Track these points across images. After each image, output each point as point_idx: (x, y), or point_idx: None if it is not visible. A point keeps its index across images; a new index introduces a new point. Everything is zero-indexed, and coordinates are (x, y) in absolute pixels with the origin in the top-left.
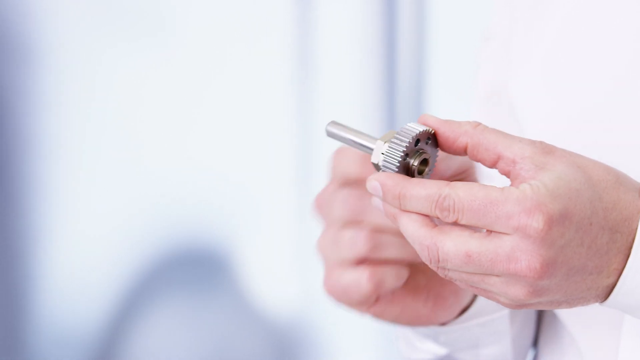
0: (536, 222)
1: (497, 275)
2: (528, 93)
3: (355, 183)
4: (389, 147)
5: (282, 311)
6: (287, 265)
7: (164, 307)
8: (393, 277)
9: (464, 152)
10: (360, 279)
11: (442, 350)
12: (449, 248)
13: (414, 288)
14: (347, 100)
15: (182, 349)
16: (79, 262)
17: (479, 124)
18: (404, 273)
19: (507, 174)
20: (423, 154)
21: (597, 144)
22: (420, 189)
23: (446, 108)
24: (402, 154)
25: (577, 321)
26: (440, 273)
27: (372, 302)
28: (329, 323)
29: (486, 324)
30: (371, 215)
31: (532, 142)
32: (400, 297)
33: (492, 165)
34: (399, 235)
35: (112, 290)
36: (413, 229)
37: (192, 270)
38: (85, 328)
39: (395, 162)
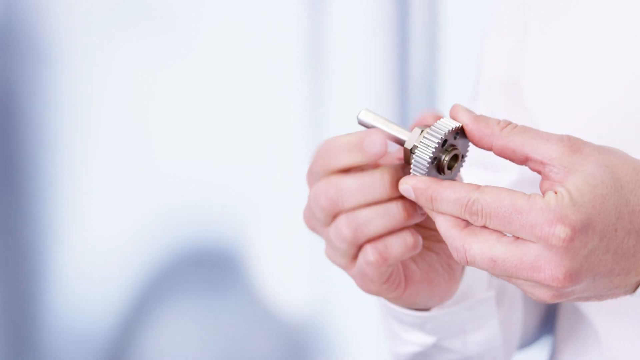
0: (558, 234)
1: (521, 279)
2: (544, 92)
3: (342, 173)
4: (422, 141)
5: (294, 311)
6: (299, 265)
7: (176, 307)
8: (398, 244)
9: (489, 149)
10: (367, 256)
11: (429, 339)
12: (475, 252)
13: (431, 261)
14: (360, 98)
15: (193, 348)
16: (91, 262)
17: (508, 124)
18: (409, 237)
19: (537, 172)
20: (454, 150)
21: (615, 144)
22: (450, 192)
23: None
24: (434, 149)
25: (599, 312)
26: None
27: (387, 278)
28: (341, 323)
29: (473, 307)
30: (347, 198)
31: (560, 140)
32: (425, 273)
33: (522, 164)
34: (382, 205)
35: (124, 290)
36: (445, 228)
37: (204, 270)
38: (97, 328)
39: (427, 158)
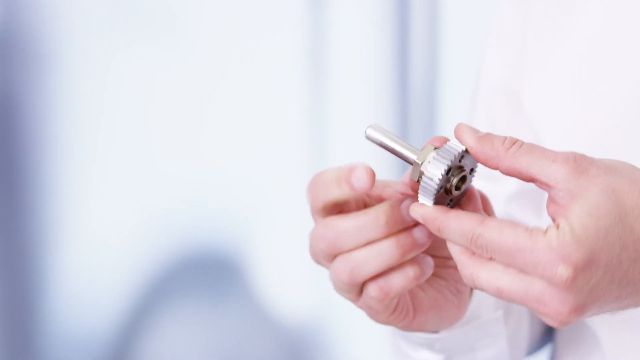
0: (561, 274)
1: (530, 308)
2: (545, 101)
3: (336, 206)
4: (428, 169)
5: (294, 315)
6: (300, 269)
7: (176, 311)
8: (399, 278)
9: (497, 169)
10: (369, 292)
11: (437, 357)
12: (482, 280)
13: (439, 287)
14: (360, 101)
15: (194, 352)
16: (92, 265)
17: (513, 143)
18: (411, 271)
19: (544, 190)
20: (462, 172)
21: (617, 151)
22: (457, 225)
23: (458, 110)
24: (440, 178)
25: (600, 319)
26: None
27: (394, 309)
28: (341, 326)
29: (482, 327)
30: (344, 241)
31: (566, 160)
32: (434, 300)
33: (529, 182)
34: (376, 245)
35: (125, 293)
36: (455, 253)
37: (204, 274)
38: (97, 331)
39: (435, 182)
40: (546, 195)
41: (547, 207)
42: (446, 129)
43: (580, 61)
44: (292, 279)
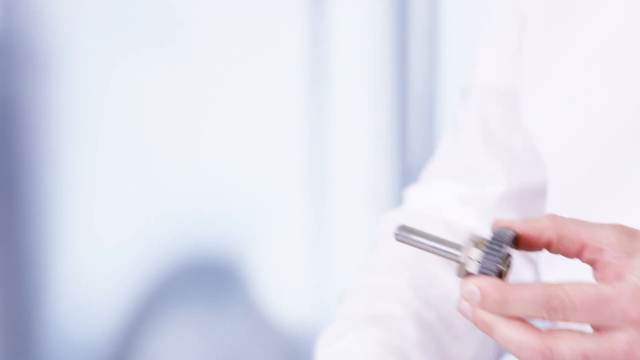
0: None
1: None
2: (544, 112)
3: None
4: (486, 254)
5: (294, 321)
6: (300, 275)
7: (177, 316)
8: None
9: (546, 247)
10: None
11: None
12: (564, 351)
13: None
14: (360, 103)
15: (194, 357)
16: (93, 270)
17: (555, 216)
18: None
19: (592, 262)
20: (509, 258)
21: (618, 165)
22: (525, 291)
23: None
24: (500, 261)
25: None
26: None
27: None
28: None
29: None
30: None
31: (613, 227)
32: None
33: (576, 255)
34: None
35: (125, 298)
36: (519, 334)
37: (205, 279)
38: (98, 336)
39: (493, 271)
40: (532, 203)
41: (596, 275)
42: (446, 130)
43: (580, 72)
44: (292, 284)
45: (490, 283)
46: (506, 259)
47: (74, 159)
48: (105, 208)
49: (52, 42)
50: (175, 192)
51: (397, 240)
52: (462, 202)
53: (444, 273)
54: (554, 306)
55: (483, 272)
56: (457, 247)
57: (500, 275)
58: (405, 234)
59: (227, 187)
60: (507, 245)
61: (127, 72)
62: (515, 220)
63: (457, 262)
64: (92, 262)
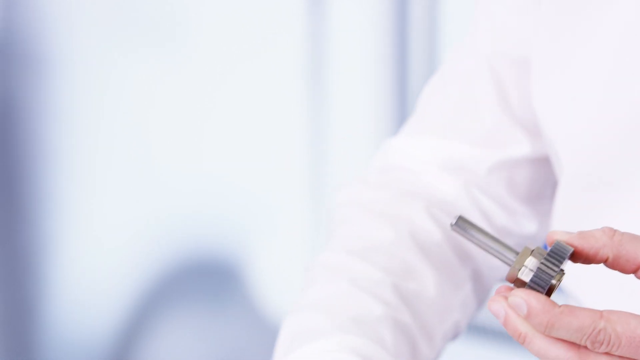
0: None
1: None
2: (557, 103)
3: None
4: (542, 267)
5: None
6: (299, 275)
7: (175, 317)
8: None
9: (601, 262)
10: None
11: None
12: None
13: None
14: (360, 103)
15: (193, 357)
16: (92, 270)
17: (614, 232)
18: None
19: None
20: (563, 273)
21: (631, 160)
22: (573, 319)
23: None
24: (554, 277)
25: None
26: None
27: None
28: None
29: None
30: None
31: None
32: None
33: (632, 272)
34: None
35: (123, 298)
36: (556, 349)
37: (204, 279)
38: (97, 336)
39: (546, 284)
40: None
41: None
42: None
43: (595, 64)
44: (291, 285)
45: (540, 303)
46: (559, 274)
47: (73, 159)
48: (104, 208)
49: (52, 42)
50: (174, 192)
51: (452, 230)
52: (453, 169)
53: (420, 265)
54: (599, 339)
55: (535, 282)
56: (513, 251)
57: (551, 289)
58: (463, 225)
59: (227, 187)
60: (564, 262)
61: (127, 72)
62: (573, 234)
63: (510, 266)
64: (91, 262)
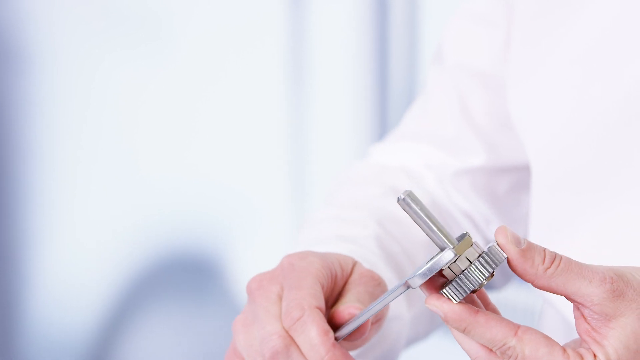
0: None
1: None
2: (532, 107)
3: None
4: (474, 268)
5: None
6: None
7: (156, 313)
8: None
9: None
10: None
11: None
12: None
13: None
14: (341, 103)
15: (175, 353)
16: (73, 267)
17: (552, 262)
18: None
19: (574, 315)
20: (492, 275)
21: (604, 160)
22: (486, 331)
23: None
24: (483, 280)
25: None
26: None
27: None
28: None
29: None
30: None
31: (602, 282)
32: None
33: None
34: None
35: (105, 295)
36: (471, 346)
37: (186, 276)
38: (77, 333)
39: (472, 286)
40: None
41: (578, 325)
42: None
43: (568, 68)
44: None
45: (456, 313)
46: (489, 277)
47: (55, 157)
48: (86, 206)
49: (36, 40)
50: (155, 190)
51: (398, 204)
52: (426, 166)
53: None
54: (508, 354)
55: (462, 282)
56: (451, 240)
57: (479, 287)
58: (409, 201)
59: (208, 185)
60: (496, 267)
61: (111, 70)
62: (519, 250)
63: (450, 253)
64: (72, 260)
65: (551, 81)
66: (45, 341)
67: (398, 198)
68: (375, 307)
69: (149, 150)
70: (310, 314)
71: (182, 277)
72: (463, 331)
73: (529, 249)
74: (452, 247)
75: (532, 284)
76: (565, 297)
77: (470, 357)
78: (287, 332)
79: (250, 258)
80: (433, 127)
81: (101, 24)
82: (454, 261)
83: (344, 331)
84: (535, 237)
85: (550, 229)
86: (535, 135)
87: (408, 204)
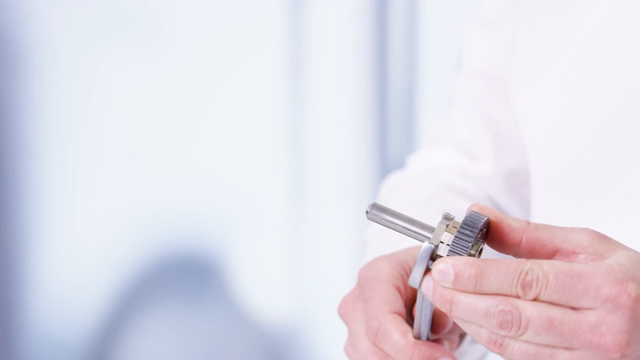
0: (629, 292)
1: (571, 349)
2: (535, 104)
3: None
4: (456, 238)
5: (274, 319)
6: (280, 273)
7: (156, 314)
8: None
9: (515, 247)
10: None
11: None
12: (531, 313)
13: None
14: (340, 103)
15: (174, 354)
16: (72, 268)
17: (530, 222)
18: None
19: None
20: (481, 243)
21: (607, 158)
22: (500, 265)
23: (438, 108)
24: (471, 245)
25: None
26: (504, 350)
27: None
28: (321, 330)
29: None
30: None
31: (585, 230)
32: None
33: (546, 258)
34: None
35: (104, 296)
36: (484, 300)
37: (185, 277)
38: (77, 334)
39: (464, 254)
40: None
41: None
42: (425, 131)
43: (570, 66)
44: (272, 284)
45: (463, 260)
46: (477, 244)
47: (55, 157)
48: (85, 206)
49: (36, 40)
50: (154, 190)
51: (368, 218)
52: (459, 167)
53: (463, 205)
54: (528, 281)
55: (453, 254)
56: (429, 229)
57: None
58: (377, 212)
59: (207, 185)
60: (478, 231)
61: (110, 70)
62: (493, 210)
63: (427, 243)
64: (72, 259)
65: (552, 81)
66: (45, 341)
67: (366, 212)
68: (422, 306)
69: (149, 150)
70: (385, 321)
71: (182, 277)
72: (477, 276)
73: (504, 215)
74: (429, 237)
75: (521, 242)
76: (555, 251)
77: (487, 321)
78: (376, 345)
79: (250, 258)
80: (457, 131)
81: (101, 24)
82: (436, 248)
83: (422, 328)
84: None
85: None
86: (536, 135)
87: (377, 215)
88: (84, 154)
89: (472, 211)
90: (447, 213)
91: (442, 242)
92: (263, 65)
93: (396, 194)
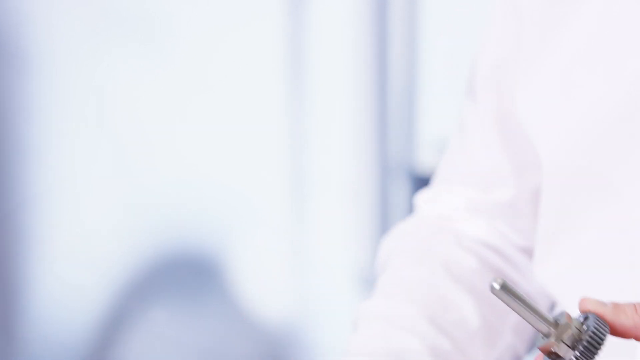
0: None
1: None
2: (539, 107)
3: None
4: (583, 351)
5: (274, 317)
6: (280, 273)
7: (156, 312)
8: None
9: (630, 338)
10: None
11: None
12: None
13: None
14: (340, 103)
15: (173, 353)
16: (72, 266)
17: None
18: None
19: None
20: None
21: (613, 157)
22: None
23: (438, 108)
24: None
25: None
26: None
27: None
28: (320, 329)
29: None
30: None
31: None
32: None
33: None
34: None
35: (104, 295)
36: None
37: (184, 276)
38: (77, 332)
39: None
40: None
41: None
42: (426, 130)
43: (573, 66)
44: (272, 280)
45: None
46: (599, 348)
47: (54, 156)
48: (86, 205)
49: (33, 40)
50: (154, 188)
51: (493, 293)
52: (469, 209)
53: (458, 295)
54: None
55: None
56: (552, 324)
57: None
58: (503, 292)
59: (207, 183)
60: (604, 345)
61: (110, 71)
62: (606, 306)
63: (547, 338)
64: (71, 258)
65: (556, 80)
66: (45, 341)
67: (492, 287)
68: None
69: (149, 150)
70: None
71: (181, 277)
72: None
73: (617, 305)
74: (553, 331)
75: (636, 337)
76: None
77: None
78: None
79: (250, 258)
80: (471, 164)
81: (100, 24)
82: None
83: None
84: (544, 237)
85: (557, 229)
86: (546, 135)
87: (503, 294)
88: (84, 154)
89: (596, 328)
90: (567, 312)
91: (562, 342)
92: (263, 65)
93: (392, 270)
